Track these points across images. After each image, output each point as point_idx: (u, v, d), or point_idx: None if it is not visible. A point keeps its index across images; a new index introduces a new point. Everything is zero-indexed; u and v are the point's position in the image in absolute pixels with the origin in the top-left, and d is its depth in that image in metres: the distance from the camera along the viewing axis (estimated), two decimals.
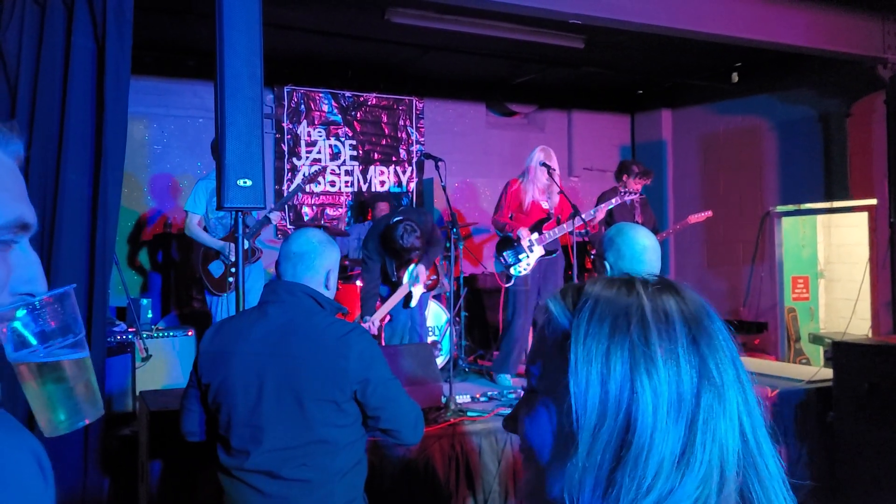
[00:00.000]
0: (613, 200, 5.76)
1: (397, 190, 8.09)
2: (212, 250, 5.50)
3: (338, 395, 2.26)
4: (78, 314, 0.92)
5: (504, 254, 5.52)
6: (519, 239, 5.46)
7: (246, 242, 5.30)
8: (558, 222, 5.54)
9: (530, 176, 5.57)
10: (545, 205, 5.62)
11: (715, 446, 0.77)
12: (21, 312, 0.88)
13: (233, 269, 5.43)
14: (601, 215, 5.74)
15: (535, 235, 5.48)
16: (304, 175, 5.50)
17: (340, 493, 2.30)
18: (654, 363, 0.77)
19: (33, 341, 0.88)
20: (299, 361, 2.27)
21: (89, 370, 0.93)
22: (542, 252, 5.50)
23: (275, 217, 5.45)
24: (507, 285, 5.56)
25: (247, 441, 2.31)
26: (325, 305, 2.38)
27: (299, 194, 6.15)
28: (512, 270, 5.48)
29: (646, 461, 0.75)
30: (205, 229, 5.54)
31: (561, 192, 5.43)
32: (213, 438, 2.44)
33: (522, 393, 2.53)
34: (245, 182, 3.57)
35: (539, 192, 5.60)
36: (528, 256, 5.46)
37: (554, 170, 5.50)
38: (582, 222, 5.27)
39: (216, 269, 5.50)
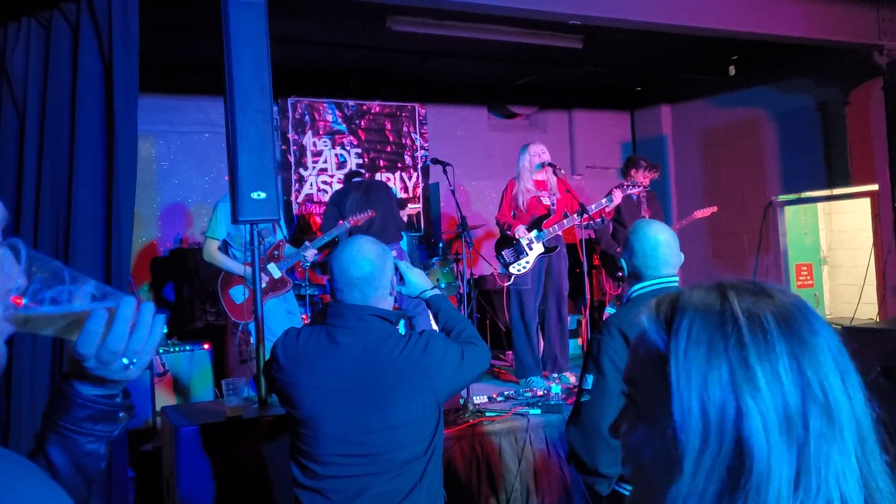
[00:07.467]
0: (625, 185, 5.81)
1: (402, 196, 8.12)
2: (231, 275, 5.16)
3: (424, 412, 2.30)
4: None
5: (503, 252, 5.50)
6: (517, 237, 5.44)
7: (277, 271, 5.20)
8: (566, 216, 5.44)
9: (522, 175, 5.58)
10: (546, 201, 5.58)
11: (830, 472, 0.75)
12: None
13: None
14: (618, 199, 5.60)
15: (534, 233, 5.44)
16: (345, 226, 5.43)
17: (425, 490, 2.34)
18: (756, 386, 0.75)
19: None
20: (383, 396, 2.27)
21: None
22: (542, 249, 5.45)
23: (310, 254, 5.26)
24: (506, 284, 5.53)
25: (329, 468, 2.29)
26: (394, 319, 2.38)
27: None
28: (511, 269, 5.44)
29: (766, 489, 0.73)
30: (226, 253, 5.23)
31: (569, 191, 5.44)
32: (289, 458, 2.41)
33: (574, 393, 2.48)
34: (259, 195, 3.59)
35: (538, 188, 5.58)
36: (527, 255, 5.43)
37: (554, 165, 5.48)
38: (589, 214, 5.19)
39: (237, 294, 5.20)
